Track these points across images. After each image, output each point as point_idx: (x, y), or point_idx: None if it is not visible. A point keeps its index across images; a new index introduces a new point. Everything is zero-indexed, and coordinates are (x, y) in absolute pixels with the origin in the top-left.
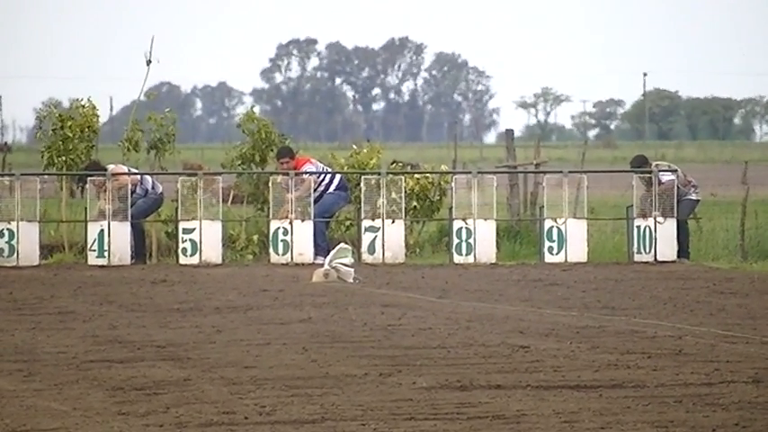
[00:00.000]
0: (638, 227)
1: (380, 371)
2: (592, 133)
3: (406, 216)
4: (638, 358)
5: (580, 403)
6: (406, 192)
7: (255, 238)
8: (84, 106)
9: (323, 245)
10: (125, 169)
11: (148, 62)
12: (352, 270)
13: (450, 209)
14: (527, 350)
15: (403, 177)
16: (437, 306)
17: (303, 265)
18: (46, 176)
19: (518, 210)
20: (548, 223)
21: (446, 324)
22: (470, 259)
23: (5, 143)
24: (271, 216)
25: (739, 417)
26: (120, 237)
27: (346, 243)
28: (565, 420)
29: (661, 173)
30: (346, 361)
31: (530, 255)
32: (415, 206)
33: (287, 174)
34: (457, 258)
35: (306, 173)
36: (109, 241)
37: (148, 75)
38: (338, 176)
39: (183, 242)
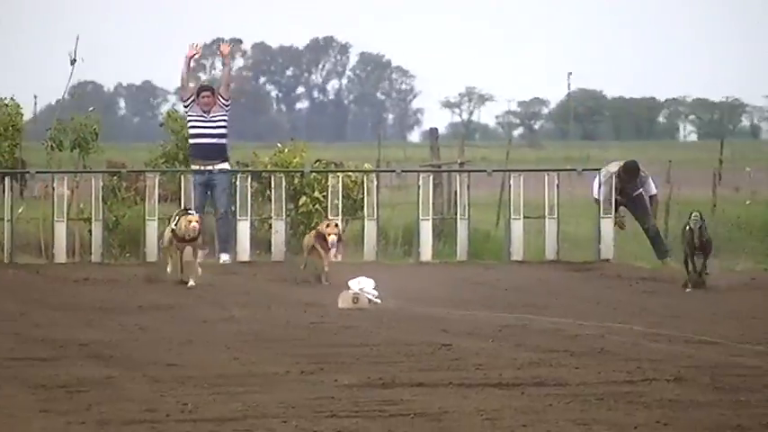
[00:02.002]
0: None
1: (303, 369)
2: (516, 133)
3: (338, 214)
4: (561, 356)
5: (502, 401)
6: (330, 190)
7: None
8: (7, 105)
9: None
10: None
11: (73, 61)
12: (379, 301)
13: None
14: (450, 348)
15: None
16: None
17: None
18: None
19: (442, 209)
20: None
21: (369, 322)
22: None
23: None
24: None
25: (661, 415)
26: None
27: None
28: (487, 418)
29: (649, 181)
30: (269, 359)
31: (452, 254)
32: (337, 204)
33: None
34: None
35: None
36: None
37: (73, 73)
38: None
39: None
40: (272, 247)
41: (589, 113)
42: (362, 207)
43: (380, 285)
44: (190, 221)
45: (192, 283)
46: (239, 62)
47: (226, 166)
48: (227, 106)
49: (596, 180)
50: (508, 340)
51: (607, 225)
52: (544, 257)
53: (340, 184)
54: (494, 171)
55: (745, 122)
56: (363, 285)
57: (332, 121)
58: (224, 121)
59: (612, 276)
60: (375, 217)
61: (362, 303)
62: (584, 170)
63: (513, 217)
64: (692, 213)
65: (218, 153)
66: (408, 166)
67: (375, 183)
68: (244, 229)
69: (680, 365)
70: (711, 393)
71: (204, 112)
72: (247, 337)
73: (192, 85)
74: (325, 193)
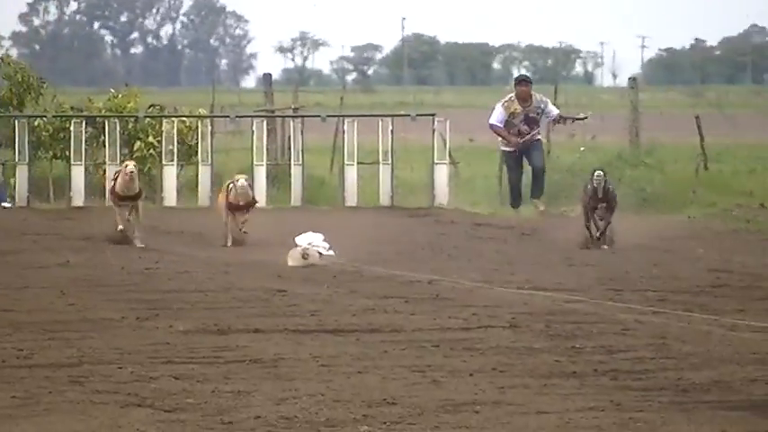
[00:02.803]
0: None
1: (138, 315)
2: (350, 78)
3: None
4: (396, 303)
5: (338, 347)
6: (163, 135)
7: (13, 182)
8: None
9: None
10: None
11: None
12: (332, 252)
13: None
14: (285, 294)
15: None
16: (195, 250)
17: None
18: None
19: (276, 154)
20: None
21: (204, 268)
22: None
23: None
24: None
25: (497, 361)
26: None
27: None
28: (323, 364)
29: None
30: (104, 305)
31: (286, 199)
32: (171, 149)
33: None
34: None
35: None
36: None
37: None
38: None
39: None
40: (107, 193)
41: (423, 59)
42: (197, 152)
43: (215, 229)
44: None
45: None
46: (73, 6)
47: None
48: None
49: (496, 108)
50: (343, 287)
51: (441, 171)
52: (378, 203)
53: (174, 130)
54: (328, 116)
55: (579, 69)
56: (312, 240)
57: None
58: None
59: (447, 222)
60: (209, 162)
61: (313, 259)
62: (418, 116)
63: (347, 163)
64: (594, 171)
65: None
66: (242, 111)
67: (209, 128)
68: (78, 174)
69: (515, 312)
70: (546, 340)
71: None
72: (83, 282)
73: None
74: (159, 139)
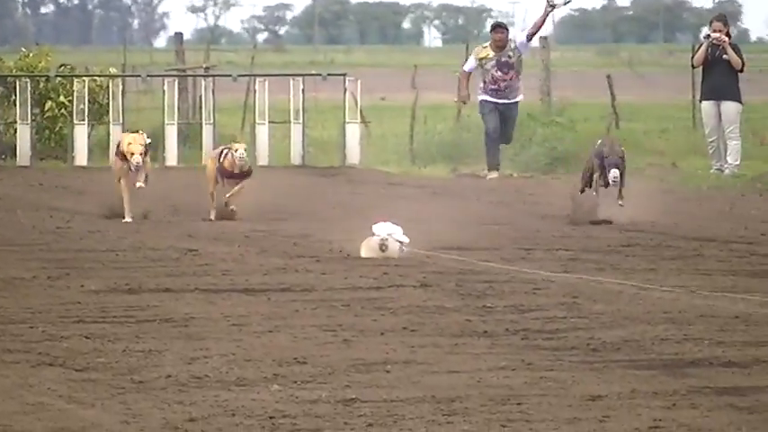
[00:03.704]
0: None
1: (49, 274)
2: (261, 37)
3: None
4: (308, 262)
5: (249, 307)
6: (75, 95)
7: None
8: None
9: None
10: None
11: None
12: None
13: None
14: (196, 253)
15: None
16: (106, 209)
17: None
18: None
19: (187, 114)
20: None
21: (115, 227)
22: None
23: None
24: None
25: (408, 321)
26: None
27: None
28: (234, 324)
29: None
30: (15, 264)
31: (197, 158)
32: (82, 109)
33: None
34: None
35: None
36: None
37: None
38: None
39: None
40: (18, 152)
41: (334, 18)
42: (108, 112)
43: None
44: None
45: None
46: None
47: None
48: None
49: (469, 59)
50: (255, 246)
51: (353, 130)
52: (290, 162)
53: (86, 89)
54: (239, 76)
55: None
56: (392, 231)
57: (77, 26)
58: None
59: (359, 181)
60: (121, 122)
61: (392, 251)
62: (329, 75)
63: (258, 122)
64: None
65: None
66: (154, 70)
67: (120, 87)
68: None
69: (426, 271)
70: (457, 299)
71: None
72: None
73: None
74: (70, 98)
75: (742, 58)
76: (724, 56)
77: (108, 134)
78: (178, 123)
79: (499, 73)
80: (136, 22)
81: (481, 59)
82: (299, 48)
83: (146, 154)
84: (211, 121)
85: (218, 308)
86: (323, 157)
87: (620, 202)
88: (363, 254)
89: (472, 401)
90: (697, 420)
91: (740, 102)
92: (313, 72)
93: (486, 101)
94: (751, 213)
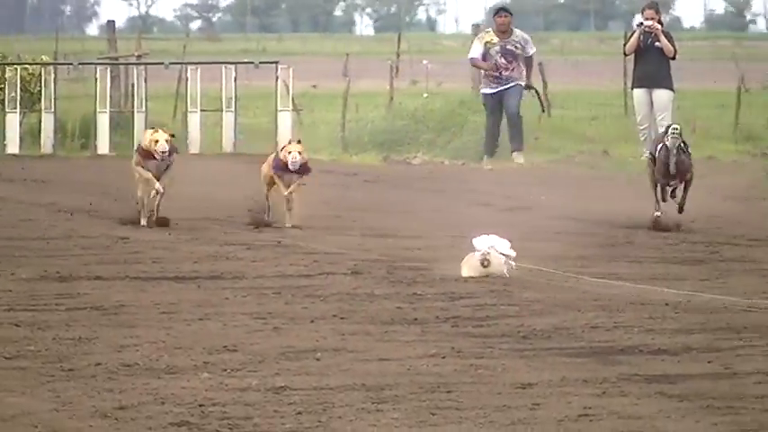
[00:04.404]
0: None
1: None
2: (194, 26)
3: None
4: (238, 250)
5: (179, 294)
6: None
7: None
8: None
9: None
10: None
11: None
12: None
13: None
14: (127, 241)
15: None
16: (38, 197)
17: None
18: None
19: (119, 102)
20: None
21: (47, 215)
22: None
23: None
24: None
25: (338, 308)
26: None
27: None
28: (164, 311)
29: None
30: None
31: (129, 146)
32: (14, 97)
33: None
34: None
35: None
36: None
37: None
38: None
39: None
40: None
41: (266, 6)
42: (40, 100)
43: (59, 176)
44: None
45: None
46: None
47: None
48: None
49: (474, 43)
50: (186, 234)
51: (284, 117)
52: (222, 150)
53: (18, 77)
54: (171, 64)
55: (422, 15)
56: (495, 244)
57: (9, 13)
58: None
59: None
60: (53, 110)
61: (496, 268)
62: (261, 63)
63: (190, 110)
64: (669, 127)
65: None
66: (86, 58)
67: (53, 75)
68: None
69: (357, 259)
70: (388, 287)
71: None
72: None
73: None
74: (2, 86)
75: (674, 46)
76: (656, 43)
77: (39, 122)
78: (110, 111)
79: (503, 60)
80: (68, 10)
81: (487, 44)
82: (232, 36)
83: (170, 154)
84: (143, 109)
85: (148, 295)
86: (255, 144)
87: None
88: (465, 273)
89: (402, 389)
90: (627, 408)
91: (672, 89)
92: (245, 60)
93: (487, 94)
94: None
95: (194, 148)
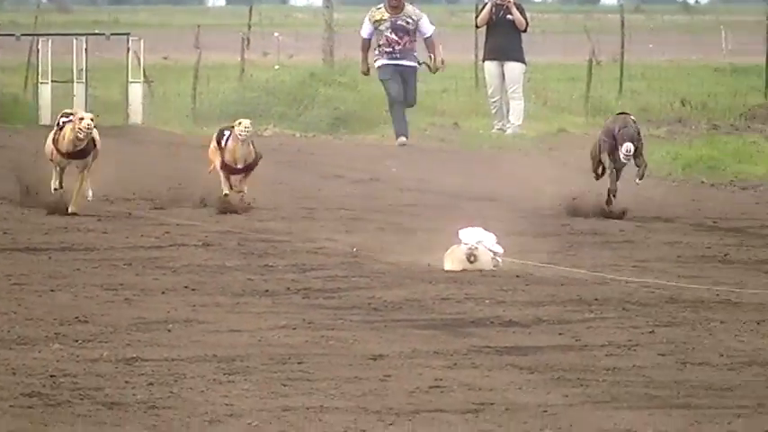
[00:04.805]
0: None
1: None
2: None
3: None
4: (89, 221)
5: (30, 266)
6: None
7: None
8: None
9: None
10: None
11: None
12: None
13: None
14: None
15: None
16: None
17: None
18: None
19: None
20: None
21: None
22: None
23: None
24: None
25: (189, 280)
26: None
27: None
28: (15, 283)
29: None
30: None
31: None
32: None
33: None
34: None
35: None
36: None
37: None
38: None
39: None
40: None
41: None
42: None
43: None
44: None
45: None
46: None
47: None
48: None
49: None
50: (36, 205)
51: (135, 89)
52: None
53: None
54: (22, 35)
55: None
56: (482, 238)
57: None
58: None
59: (146, 142)
60: None
61: (483, 264)
62: (112, 34)
63: (41, 81)
64: (619, 114)
65: None
66: None
67: None
68: None
69: (208, 231)
70: (239, 258)
71: None
72: None
73: None
74: None
75: (526, 19)
76: (508, 16)
77: None
78: None
79: (394, 36)
80: None
81: (376, 22)
82: (84, 8)
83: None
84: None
85: None
86: (106, 116)
87: (637, 181)
88: (448, 266)
89: (253, 360)
90: (478, 380)
91: (524, 62)
92: (96, 32)
93: (385, 65)
94: (534, 174)
95: (45, 119)
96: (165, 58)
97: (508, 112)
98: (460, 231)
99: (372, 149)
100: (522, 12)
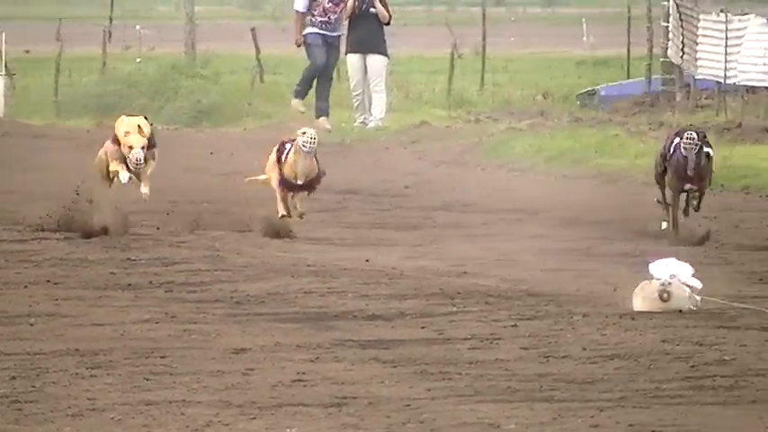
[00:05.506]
0: None
1: None
2: None
3: None
4: None
5: None
6: None
7: None
8: None
9: None
10: None
11: None
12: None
13: None
14: None
15: None
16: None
17: None
18: None
19: None
20: None
21: None
22: None
23: None
24: None
25: (52, 273)
26: None
27: None
28: None
29: None
30: None
31: None
32: None
33: None
34: None
35: None
36: None
37: None
38: None
39: None
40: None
41: None
42: None
43: None
44: None
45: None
46: None
47: None
48: None
49: None
50: None
51: None
52: None
53: None
54: None
55: None
56: (677, 271)
57: None
58: None
59: (3, 134)
60: None
61: (678, 302)
62: None
63: None
64: (684, 133)
65: None
66: None
67: None
68: None
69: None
70: (102, 252)
71: None
72: None
73: None
74: None
75: (389, 11)
76: (371, 9)
77: None
78: None
79: (330, 4)
80: None
81: None
82: None
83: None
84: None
85: None
86: None
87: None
88: (637, 306)
89: (116, 354)
90: (341, 373)
91: (386, 55)
92: None
93: (314, 33)
94: (395, 166)
95: None
96: (27, 52)
97: (370, 105)
98: (651, 265)
99: (235, 142)
100: (385, 5)
